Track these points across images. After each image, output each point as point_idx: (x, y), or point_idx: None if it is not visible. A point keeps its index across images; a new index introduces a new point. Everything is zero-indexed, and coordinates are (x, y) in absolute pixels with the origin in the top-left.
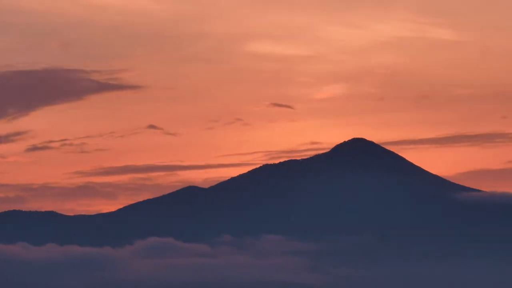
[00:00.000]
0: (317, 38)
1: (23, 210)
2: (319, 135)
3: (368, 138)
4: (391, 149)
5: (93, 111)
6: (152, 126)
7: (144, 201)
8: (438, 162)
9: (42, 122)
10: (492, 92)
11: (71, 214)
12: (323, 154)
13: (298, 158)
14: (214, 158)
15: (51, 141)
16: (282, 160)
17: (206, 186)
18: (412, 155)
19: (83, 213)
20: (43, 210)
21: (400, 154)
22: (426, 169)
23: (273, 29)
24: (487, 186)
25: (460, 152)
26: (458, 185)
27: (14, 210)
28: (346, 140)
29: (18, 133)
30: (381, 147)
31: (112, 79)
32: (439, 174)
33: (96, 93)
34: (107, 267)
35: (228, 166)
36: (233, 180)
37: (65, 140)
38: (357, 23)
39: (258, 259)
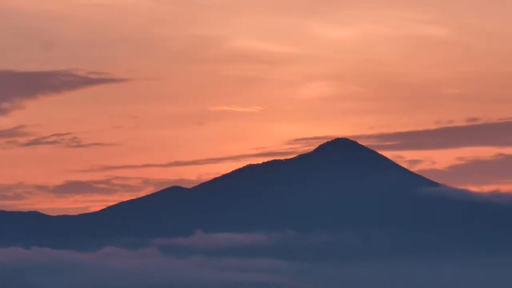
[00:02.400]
0: (302, 37)
1: (6, 210)
2: (302, 135)
3: (351, 138)
4: (374, 149)
5: (77, 107)
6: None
7: (129, 201)
8: (423, 161)
9: (29, 118)
10: (478, 91)
11: (54, 214)
12: (306, 154)
13: (281, 158)
14: (198, 157)
15: (42, 138)
16: (265, 160)
17: (189, 186)
18: (395, 155)
19: (68, 213)
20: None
21: (383, 153)
22: (409, 169)
23: (258, 28)
24: (477, 183)
25: (447, 151)
26: (444, 184)
27: None
28: (330, 140)
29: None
30: (364, 147)
31: (94, 73)
32: (423, 173)
33: (77, 90)
34: (79, 270)
35: (212, 164)
36: (216, 180)
37: (56, 135)
38: (343, 21)
39: (230, 258)
